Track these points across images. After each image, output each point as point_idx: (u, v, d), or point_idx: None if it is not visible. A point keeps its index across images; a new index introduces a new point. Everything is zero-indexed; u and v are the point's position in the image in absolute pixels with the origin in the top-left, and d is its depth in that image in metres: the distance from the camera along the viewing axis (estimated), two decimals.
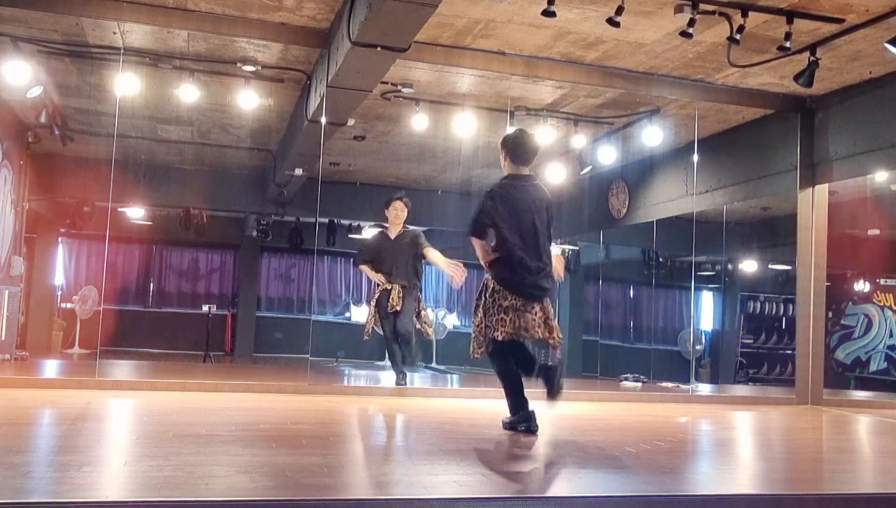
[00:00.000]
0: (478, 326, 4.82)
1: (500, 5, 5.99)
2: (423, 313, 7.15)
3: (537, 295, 4.73)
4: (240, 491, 2.93)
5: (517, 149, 4.90)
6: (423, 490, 3.12)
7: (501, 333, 4.67)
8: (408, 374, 7.27)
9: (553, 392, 4.64)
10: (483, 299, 4.81)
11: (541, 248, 4.77)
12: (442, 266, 6.64)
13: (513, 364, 4.82)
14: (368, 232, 14.31)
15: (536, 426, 4.75)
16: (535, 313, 4.71)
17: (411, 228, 7.26)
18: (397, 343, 7.04)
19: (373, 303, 7.14)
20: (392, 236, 7.19)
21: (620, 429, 5.52)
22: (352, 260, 7.59)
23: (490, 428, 4.90)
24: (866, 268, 14.40)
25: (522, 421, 4.78)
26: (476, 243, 4.91)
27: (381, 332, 7.14)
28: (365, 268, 7.27)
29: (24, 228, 10.25)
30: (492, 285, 4.79)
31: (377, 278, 7.13)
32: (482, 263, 4.94)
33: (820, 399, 7.83)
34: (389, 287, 6.99)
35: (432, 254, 6.93)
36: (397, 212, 7.19)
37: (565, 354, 15.75)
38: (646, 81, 7.51)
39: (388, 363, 7.59)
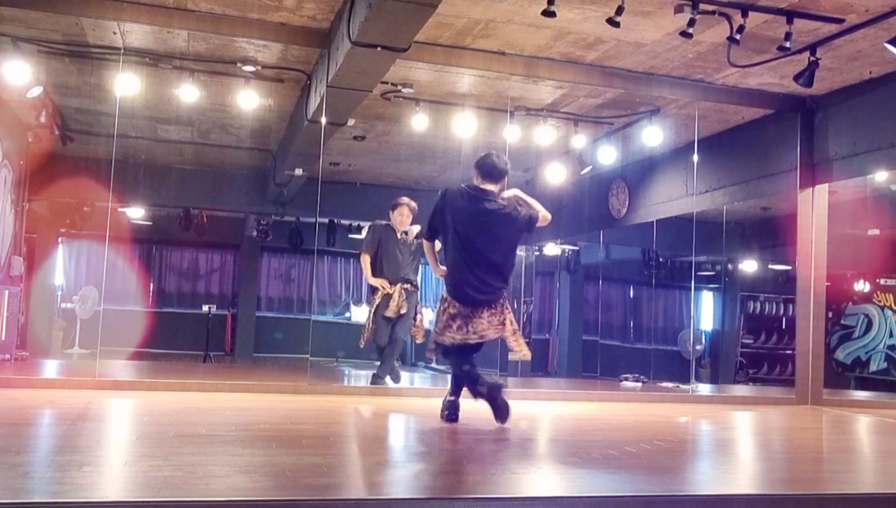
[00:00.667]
0: (434, 331, 5.13)
1: (500, 5, 5.99)
2: (418, 316, 7.15)
3: (481, 300, 4.97)
4: (240, 491, 2.93)
5: (483, 165, 5.18)
6: (424, 490, 3.12)
7: (448, 338, 4.96)
8: (399, 371, 7.38)
9: (500, 413, 4.91)
10: (440, 305, 5.11)
11: (482, 266, 4.96)
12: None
13: (463, 367, 5.06)
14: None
15: (452, 418, 5.04)
16: (483, 318, 4.95)
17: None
18: (389, 346, 7.05)
19: (373, 310, 7.02)
20: (398, 233, 7.16)
21: (620, 429, 5.52)
22: (361, 249, 7.28)
23: (490, 428, 4.90)
24: (866, 268, 14.40)
25: (445, 408, 5.09)
26: (426, 248, 5.41)
27: (376, 342, 7.07)
28: (366, 262, 7.07)
29: (24, 228, 10.24)
30: (443, 294, 5.11)
31: (378, 282, 7.00)
32: (436, 274, 5.31)
33: (820, 399, 7.83)
34: (391, 291, 6.95)
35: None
36: (403, 218, 7.19)
37: (564, 353, 15.75)
38: (646, 81, 7.50)
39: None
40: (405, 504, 2.91)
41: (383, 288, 6.98)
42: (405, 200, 7.25)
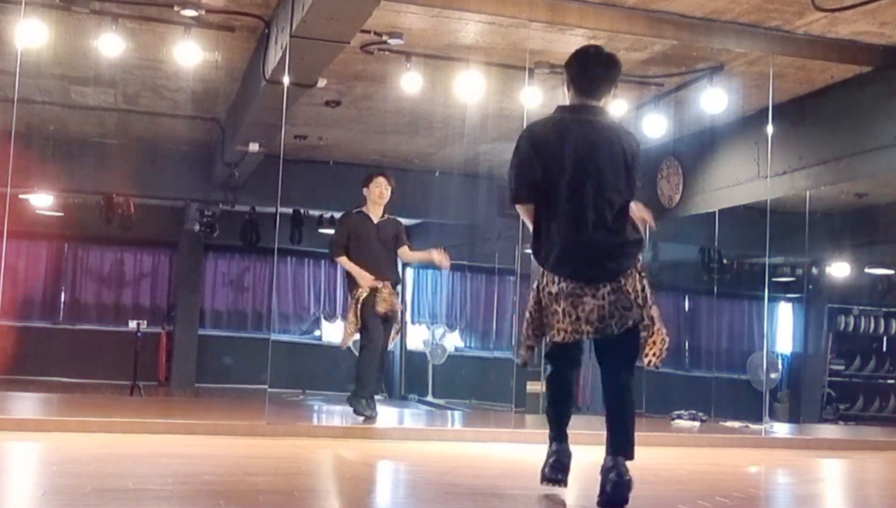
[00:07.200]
0: (525, 323, 4.57)
1: None
2: (397, 325, 7.54)
3: (595, 275, 4.37)
4: None
5: (578, 68, 4.48)
6: None
7: (558, 331, 4.36)
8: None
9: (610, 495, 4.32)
10: (534, 290, 4.53)
11: (598, 212, 4.35)
12: (425, 258, 7.92)
13: (567, 377, 4.65)
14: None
15: (560, 477, 4.60)
16: (599, 299, 4.34)
17: (392, 216, 7.56)
18: (379, 364, 7.26)
19: (357, 304, 7.19)
20: (375, 219, 7.39)
21: (672, 482, 5.53)
22: (329, 250, 7.83)
23: (503, 481, 4.91)
24: None
25: (546, 461, 4.59)
26: (522, 213, 4.58)
27: (359, 342, 7.28)
28: (344, 261, 7.35)
29: None
30: (539, 269, 4.50)
31: (363, 276, 7.20)
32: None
33: None
34: (379, 285, 7.18)
35: (409, 254, 7.79)
36: (381, 190, 7.41)
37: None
38: (705, 28, 7.51)
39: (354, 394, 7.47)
40: None
41: (367, 280, 7.16)
42: (380, 170, 7.67)
